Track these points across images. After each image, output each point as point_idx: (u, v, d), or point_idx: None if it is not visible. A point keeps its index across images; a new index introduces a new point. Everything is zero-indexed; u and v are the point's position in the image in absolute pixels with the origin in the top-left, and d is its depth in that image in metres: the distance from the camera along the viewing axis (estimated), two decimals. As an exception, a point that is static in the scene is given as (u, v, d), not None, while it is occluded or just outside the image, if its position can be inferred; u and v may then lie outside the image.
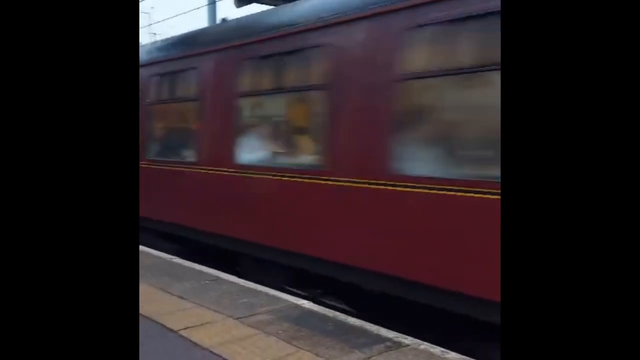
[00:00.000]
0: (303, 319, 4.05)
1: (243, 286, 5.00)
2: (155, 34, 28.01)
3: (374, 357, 3.38)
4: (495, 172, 3.39)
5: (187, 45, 6.81)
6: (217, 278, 5.30)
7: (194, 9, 14.87)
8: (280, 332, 3.75)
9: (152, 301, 4.50)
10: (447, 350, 3.49)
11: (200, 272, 5.58)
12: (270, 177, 5.26)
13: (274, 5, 7.68)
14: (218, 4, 11.48)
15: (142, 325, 3.92)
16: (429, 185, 3.87)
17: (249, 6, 10.26)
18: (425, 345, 3.56)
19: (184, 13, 20.55)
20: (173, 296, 4.66)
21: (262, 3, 9.77)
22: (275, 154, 5.46)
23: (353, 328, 3.89)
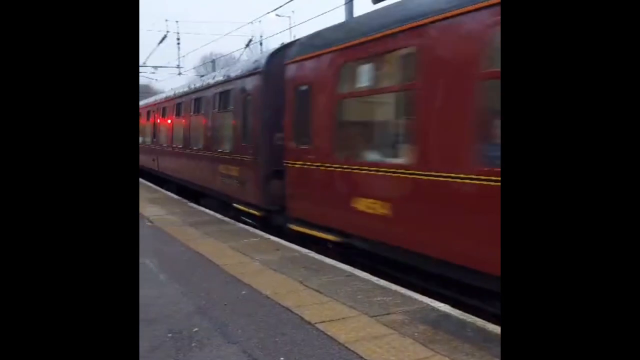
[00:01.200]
0: (440, 322, 3.91)
1: (377, 284, 4.98)
2: (294, 36, 29.33)
3: (518, 371, 3.12)
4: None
5: None
6: (351, 274, 5.36)
7: (332, 9, 15.26)
8: (416, 334, 3.66)
9: (292, 292, 4.71)
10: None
11: (335, 267, 5.69)
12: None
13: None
14: (355, 2, 11.61)
15: (283, 315, 4.12)
16: None
17: (384, 2, 10.19)
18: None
19: (323, 14, 21.18)
20: (310, 289, 4.82)
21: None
22: None
23: (494, 335, 3.65)
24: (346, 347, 3.46)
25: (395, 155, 5.43)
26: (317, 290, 4.77)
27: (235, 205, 8.85)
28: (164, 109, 14.96)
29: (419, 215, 4.85)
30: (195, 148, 11.23)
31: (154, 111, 16.44)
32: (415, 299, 4.48)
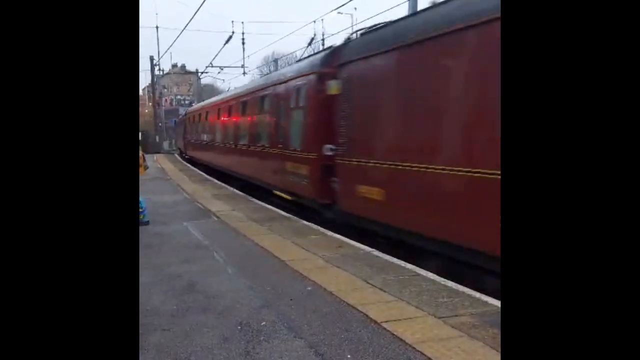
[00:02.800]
0: (511, 326, 3.76)
1: (443, 285, 4.88)
2: (356, 34, 29.23)
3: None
4: None
5: None
6: (417, 274, 5.28)
7: (395, 6, 15.08)
8: (486, 337, 3.55)
9: (356, 290, 4.71)
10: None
11: (399, 266, 5.62)
12: None
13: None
14: (419, -2, 11.42)
15: (348, 313, 4.13)
16: None
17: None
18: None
19: (385, 11, 21.06)
20: (375, 287, 4.80)
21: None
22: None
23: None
24: (413, 348, 3.41)
25: (206, 139, 20.83)
26: (382, 289, 4.74)
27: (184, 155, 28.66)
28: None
29: (200, 149, 22.13)
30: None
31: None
32: (485, 302, 4.34)
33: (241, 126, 14.19)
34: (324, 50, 10.99)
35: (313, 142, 8.60)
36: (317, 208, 8.76)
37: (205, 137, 20.51)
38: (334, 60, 8.16)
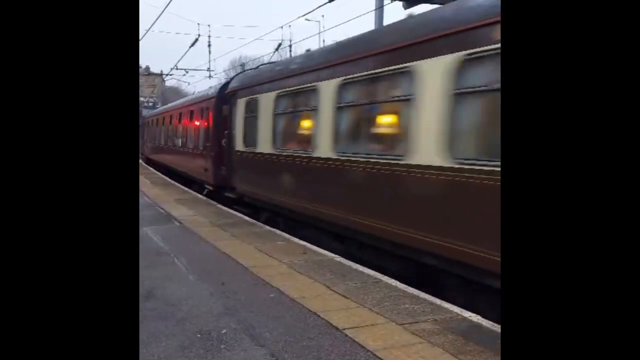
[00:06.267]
0: (470, 332, 3.83)
1: (405, 291, 4.93)
2: (324, 40, 29.47)
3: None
4: None
5: None
6: (379, 280, 5.32)
7: (362, 15, 15.24)
8: (445, 343, 3.60)
9: (318, 297, 4.69)
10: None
11: (363, 272, 5.65)
12: None
13: (442, 4, 7.41)
14: (385, 7, 11.57)
15: (310, 320, 4.11)
16: None
17: (417, 7, 10.13)
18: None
19: (352, 19, 21.29)
20: (337, 294, 4.80)
21: (431, 3, 9.57)
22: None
23: (527, 350, 3.55)
24: (374, 355, 3.42)
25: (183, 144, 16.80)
26: (344, 296, 4.74)
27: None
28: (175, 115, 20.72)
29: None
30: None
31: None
32: (445, 308, 4.40)
33: None
34: None
35: None
36: None
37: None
38: None
